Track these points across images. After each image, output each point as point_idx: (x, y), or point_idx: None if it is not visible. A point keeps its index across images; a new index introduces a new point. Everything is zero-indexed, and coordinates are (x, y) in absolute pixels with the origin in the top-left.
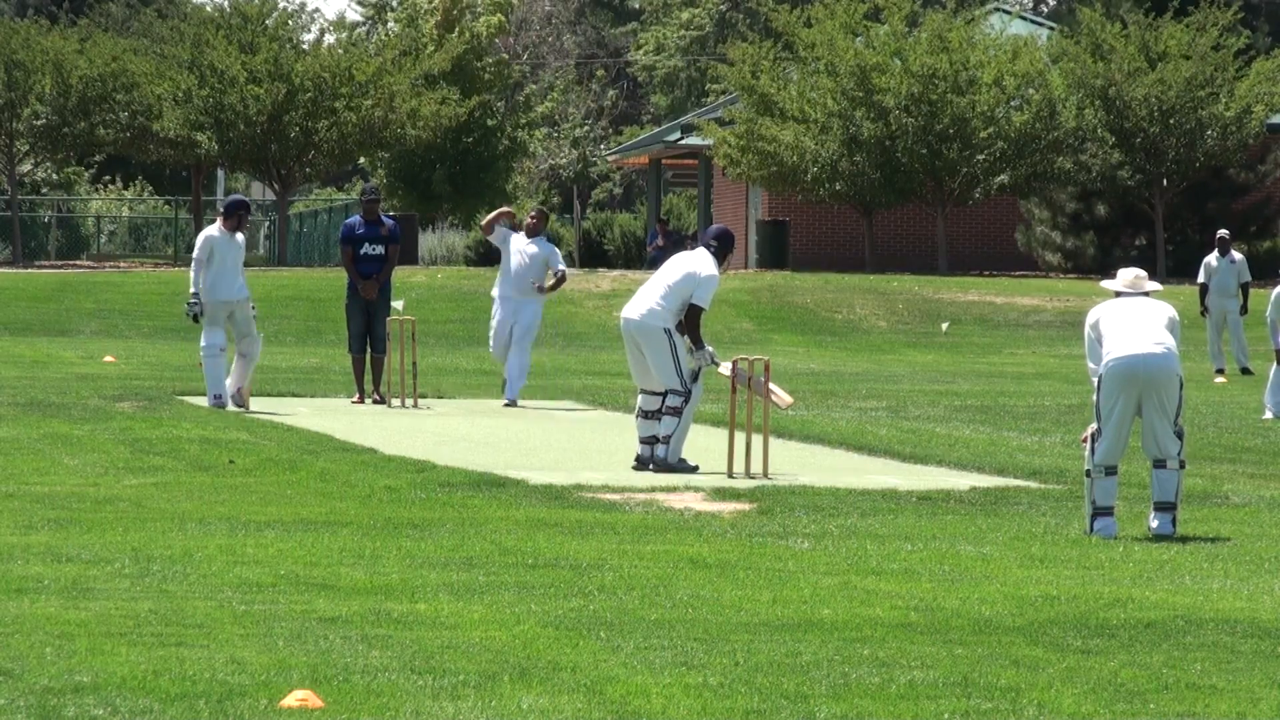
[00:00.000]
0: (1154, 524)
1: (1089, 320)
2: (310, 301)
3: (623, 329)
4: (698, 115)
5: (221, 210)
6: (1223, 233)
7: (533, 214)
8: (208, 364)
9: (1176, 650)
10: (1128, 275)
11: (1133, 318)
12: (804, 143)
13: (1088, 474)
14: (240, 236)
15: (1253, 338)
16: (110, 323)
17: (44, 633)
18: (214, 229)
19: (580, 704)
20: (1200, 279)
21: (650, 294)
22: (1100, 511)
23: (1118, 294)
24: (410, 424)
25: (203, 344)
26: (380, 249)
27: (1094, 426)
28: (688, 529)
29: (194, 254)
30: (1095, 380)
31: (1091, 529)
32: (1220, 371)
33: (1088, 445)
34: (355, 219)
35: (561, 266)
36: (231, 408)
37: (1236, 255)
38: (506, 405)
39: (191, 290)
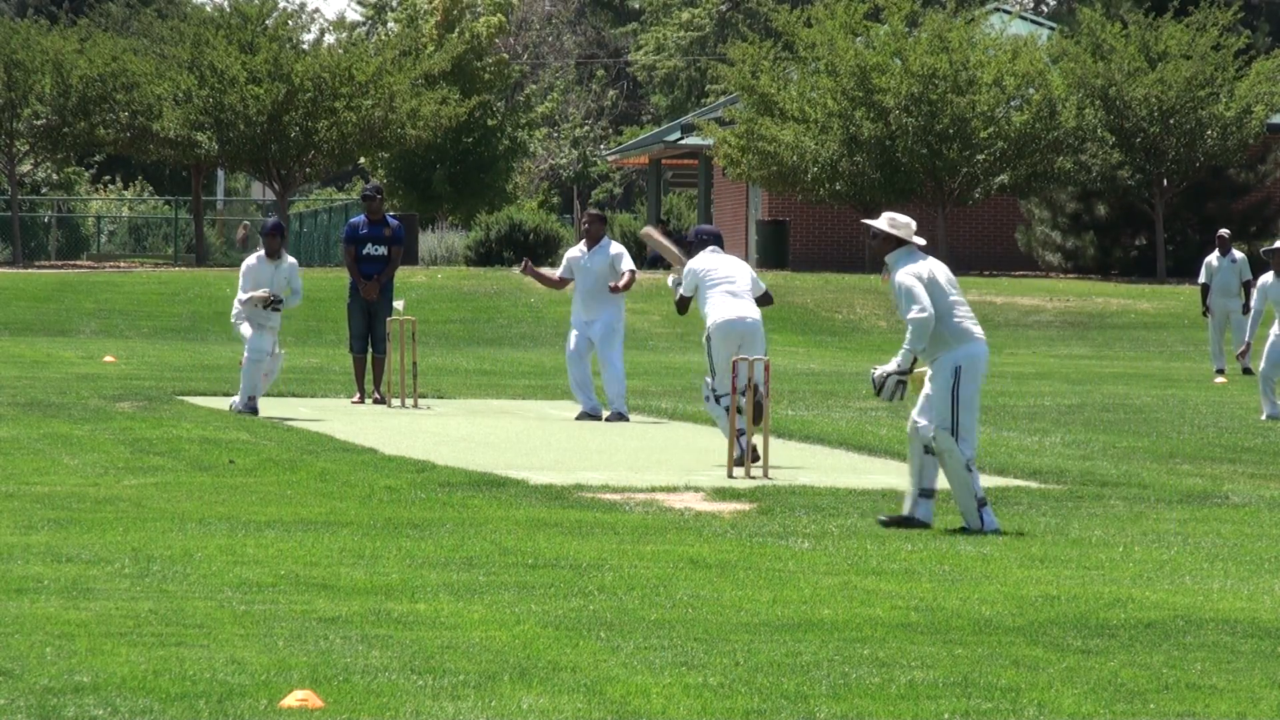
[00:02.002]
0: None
1: (922, 273)
2: (310, 301)
3: (735, 328)
4: (698, 115)
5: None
6: (1223, 232)
7: (585, 220)
8: (248, 367)
9: (1176, 650)
10: (911, 225)
11: (955, 287)
12: (804, 143)
13: (968, 467)
14: (289, 262)
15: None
16: (110, 323)
17: (44, 633)
18: (252, 259)
19: (580, 704)
20: (1201, 279)
21: (747, 296)
22: (983, 502)
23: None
24: (410, 424)
25: (246, 349)
26: (383, 250)
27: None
28: (688, 529)
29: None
30: (932, 356)
31: (983, 522)
32: (1220, 371)
33: (954, 438)
34: (360, 218)
35: (630, 267)
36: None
37: (1237, 254)
38: (612, 418)
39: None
